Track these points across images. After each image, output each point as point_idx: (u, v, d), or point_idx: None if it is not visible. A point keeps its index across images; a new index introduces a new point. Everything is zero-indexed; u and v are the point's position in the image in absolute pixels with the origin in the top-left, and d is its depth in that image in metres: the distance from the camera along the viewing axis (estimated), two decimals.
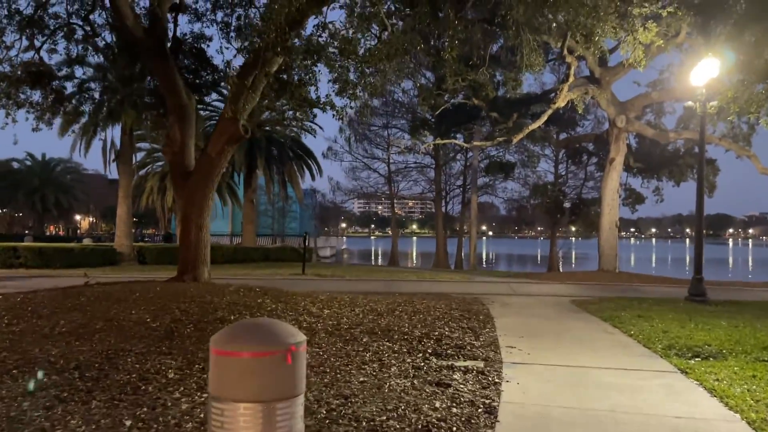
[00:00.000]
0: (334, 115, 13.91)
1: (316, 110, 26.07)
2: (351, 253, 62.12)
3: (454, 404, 4.99)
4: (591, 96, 19.75)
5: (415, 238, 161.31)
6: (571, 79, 18.56)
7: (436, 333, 8.15)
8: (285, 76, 13.28)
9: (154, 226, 63.41)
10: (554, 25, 15.01)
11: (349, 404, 4.83)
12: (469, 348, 7.42)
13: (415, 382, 5.61)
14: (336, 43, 13.71)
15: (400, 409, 4.74)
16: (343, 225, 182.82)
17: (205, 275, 10.65)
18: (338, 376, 5.70)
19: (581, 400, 5.34)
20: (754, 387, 5.71)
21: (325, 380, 5.53)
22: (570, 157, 33.27)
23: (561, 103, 18.76)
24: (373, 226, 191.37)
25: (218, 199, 36.27)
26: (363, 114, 14.86)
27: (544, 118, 19.64)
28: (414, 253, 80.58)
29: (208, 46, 14.43)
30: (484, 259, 74.20)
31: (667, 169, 25.59)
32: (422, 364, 6.40)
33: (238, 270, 20.99)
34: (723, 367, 6.52)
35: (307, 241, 20.60)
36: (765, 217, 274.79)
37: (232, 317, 8.07)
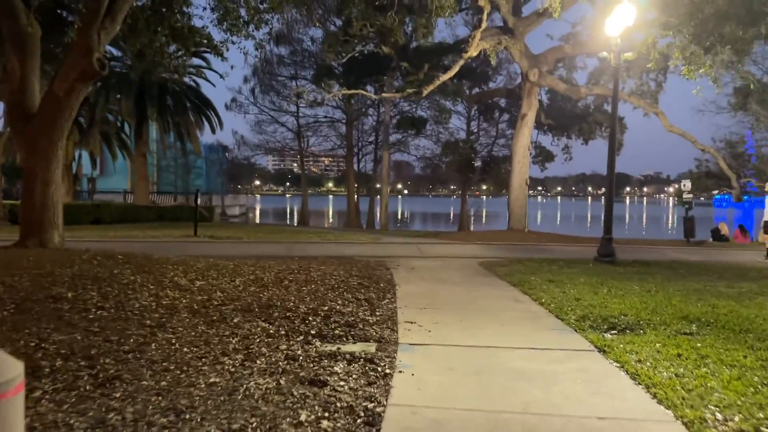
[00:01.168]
0: (218, 53, 12.24)
1: (205, 53, 23.68)
2: (257, 212, 59.95)
3: (326, 414, 3.82)
4: (504, 47, 18.90)
5: (331, 196, 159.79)
6: (484, 25, 17.57)
7: (326, 308, 6.98)
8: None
9: None
10: None
11: (181, 423, 3.55)
12: (361, 326, 6.30)
13: (283, 381, 4.40)
14: None
15: (249, 429, 3.52)
16: (257, 182, 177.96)
17: (56, 239, 8.91)
18: (182, 376, 4.40)
19: (487, 397, 4.33)
20: (682, 370, 4.92)
21: (162, 384, 4.22)
22: (482, 113, 32.73)
23: (473, 52, 17.77)
24: (288, 183, 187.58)
25: (108, 152, 33.24)
26: (258, 48, 13.18)
27: (456, 68, 18.60)
28: (329, 212, 79.29)
29: None
30: (398, 218, 74.08)
31: (577, 126, 25.46)
32: (299, 352, 5.20)
33: (123, 231, 18.95)
34: (644, 344, 5.75)
35: (199, 199, 18.78)
36: (659, 176, 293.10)
37: (70, 294, 6.53)
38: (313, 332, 5.90)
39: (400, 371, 4.83)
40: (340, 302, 7.41)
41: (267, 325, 6.07)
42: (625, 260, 12.83)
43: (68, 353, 4.81)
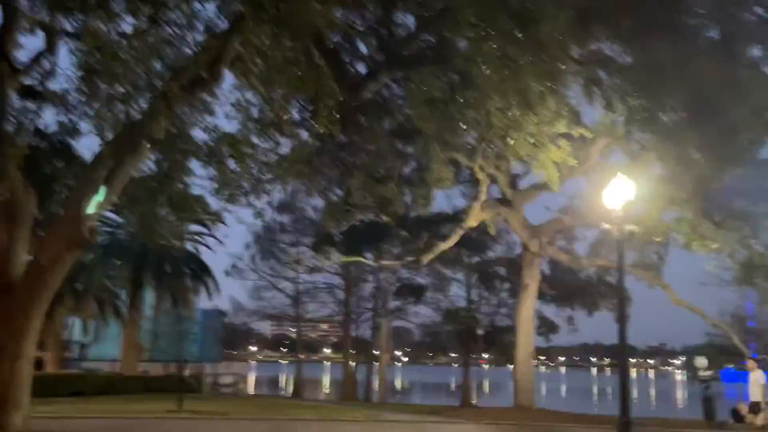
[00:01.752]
0: (218, 221, 12.12)
1: (206, 219, 23.96)
2: (252, 382, 57.47)
3: None
4: (503, 218, 19.10)
5: (328, 363, 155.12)
6: (483, 196, 17.86)
7: None
8: (158, 176, 11.57)
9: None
10: (465, 141, 14.50)
11: None
12: None
13: None
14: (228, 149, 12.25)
15: None
16: (253, 348, 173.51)
17: (18, 422, 8.01)
18: None
19: None
20: None
21: None
22: (482, 281, 32.47)
23: (472, 222, 17.90)
24: (285, 349, 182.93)
25: (102, 318, 32.44)
26: (258, 217, 13.14)
27: (455, 238, 18.63)
28: (326, 381, 76.19)
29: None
30: (398, 388, 70.87)
31: (580, 297, 25.04)
32: None
33: (104, 405, 17.66)
34: None
35: (186, 369, 17.74)
36: (664, 348, 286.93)
37: None
38: None
39: None
40: None
41: None
42: None
43: None
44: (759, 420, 13.68)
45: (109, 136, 9.03)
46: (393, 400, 43.43)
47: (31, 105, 10.92)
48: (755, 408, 13.83)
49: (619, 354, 12.09)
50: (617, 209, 12.40)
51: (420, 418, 17.18)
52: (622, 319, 12.11)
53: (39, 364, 32.93)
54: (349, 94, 11.29)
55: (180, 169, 11.26)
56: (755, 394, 13.90)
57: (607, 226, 12.63)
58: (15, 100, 10.55)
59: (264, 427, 13.99)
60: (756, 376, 14.12)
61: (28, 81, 10.53)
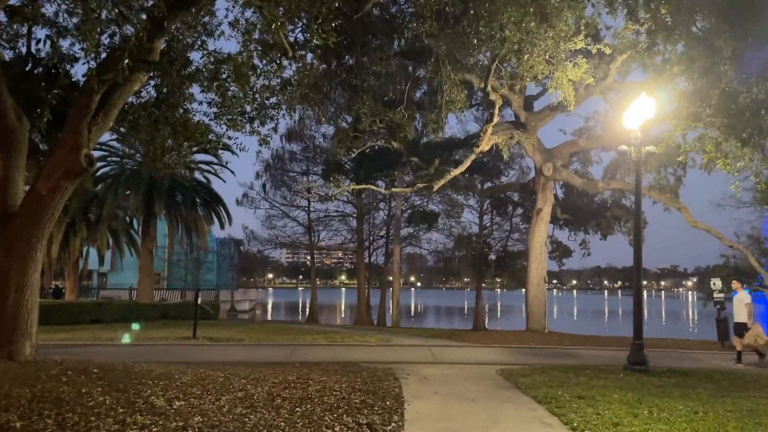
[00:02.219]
0: (217, 150, 11.80)
1: (216, 149, 23.68)
2: (269, 307, 58.68)
3: None
4: (516, 141, 18.56)
5: (343, 289, 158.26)
6: (496, 119, 17.27)
7: None
8: (158, 99, 11.15)
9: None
10: (477, 60, 13.78)
11: None
12: None
13: None
14: (228, 68, 11.74)
15: None
16: (270, 276, 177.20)
17: (26, 351, 8.02)
18: None
19: None
20: None
21: None
22: (495, 207, 32.19)
23: (485, 146, 17.40)
24: (301, 276, 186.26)
25: (117, 248, 32.87)
26: (262, 144, 12.73)
27: (467, 163, 18.19)
28: (341, 306, 77.82)
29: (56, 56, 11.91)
30: (412, 311, 72.35)
31: (594, 221, 24.72)
32: None
33: (120, 332, 17.99)
34: None
35: (200, 297, 17.93)
36: (676, 270, 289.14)
37: (19, 423, 5.56)
38: None
39: None
40: (338, 429, 6.36)
41: None
42: (658, 368, 11.61)
43: None
44: (745, 340, 13.65)
45: (101, 58, 8.61)
46: (407, 324, 44.33)
47: (20, 27, 10.44)
48: (740, 329, 13.79)
49: (635, 275, 11.89)
50: (636, 129, 11.93)
51: (431, 341, 17.35)
52: (637, 242, 11.85)
53: (58, 292, 33.71)
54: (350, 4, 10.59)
55: (180, 93, 10.82)
56: (740, 314, 13.84)
57: (624, 147, 12.16)
58: (3, 21, 10.08)
59: (277, 352, 14.14)
60: (740, 297, 14.01)
61: (14, 1, 10.02)
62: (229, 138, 11.65)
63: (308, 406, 7.35)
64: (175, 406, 6.72)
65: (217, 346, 15.33)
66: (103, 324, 22.10)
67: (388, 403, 7.95)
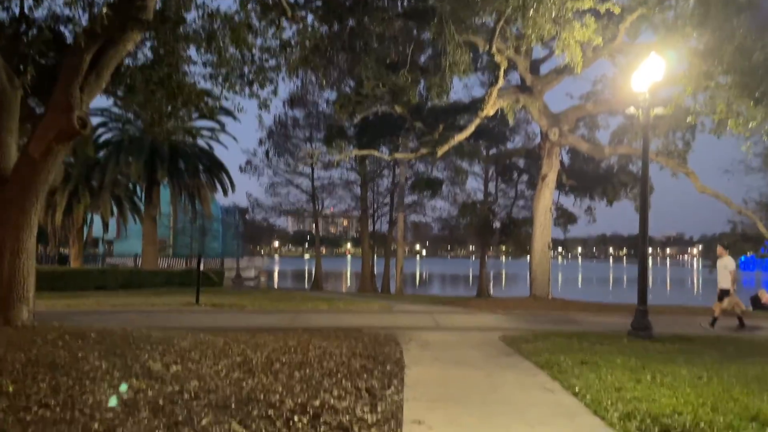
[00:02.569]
0: (213, 115, 11.60)
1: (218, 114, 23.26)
2: (276, 275, 59.04)
3: None
4: (522, 106, 18.19)
5: (349, 257, 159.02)
6: (500, 81, 16.89)
7: (318, 402, 5.84)
8: (154, 61, 10.91)
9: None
10: (482, 19, 13.38)
11: None
12: (357, 429, 5.15)
13: None
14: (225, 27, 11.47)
15: None
16: (276, 244, 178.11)
17: (24, 316, 7.96)
18: None
19: None
20: None
21: None
22: (500, 174, 31.88)
23: (490, 110, 17.05)
24: (307, 245, 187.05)
25: (120, 215, 32.81)
26: (262, 107, 12.46)
27: (472, 128, 17.88)
28: (347, 274, 78.19)
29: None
30: (417, 280, 72.70)
31: (600, 187, 24.44)
32: None
33: (123, 299, 18.05)
34: None
35: (202, 264, 17.90)
36: (681, 238, 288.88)
37: (11, 387, 5.50)
38: None
39: None
40: (336, 393, 6.27)
41: (241, 429, 4.95)
42: (662, 335, 11.51)
43: None
44: (724, 304, 13.59)
45: (92, 16, 8.36)
46: (412, 292, 44.49)
47: None
48: (722, 295, 13.68)
49: (641, 241, 11.71)
50: (644, 92, 11.61)
51: (434, 308, 17.31)
52: (644, 207, 11.64)
53: (63, 259, 33.85)
54: None
55: (175, 54, 10.55)
56: (724, 280, 13.70)
57: (632, 110, 11.86)
58: None
59: (279, 318, 14.13)
60: (724, 262, 13.84)
61: None
62: (227, 99, 11.43)
63: (307, 370, 7.27)
64: (172, 371, 6.65)
65: (219, 312, 15.32)
66: (108, 291, 22.17)
67: (388, 368, 7.88)
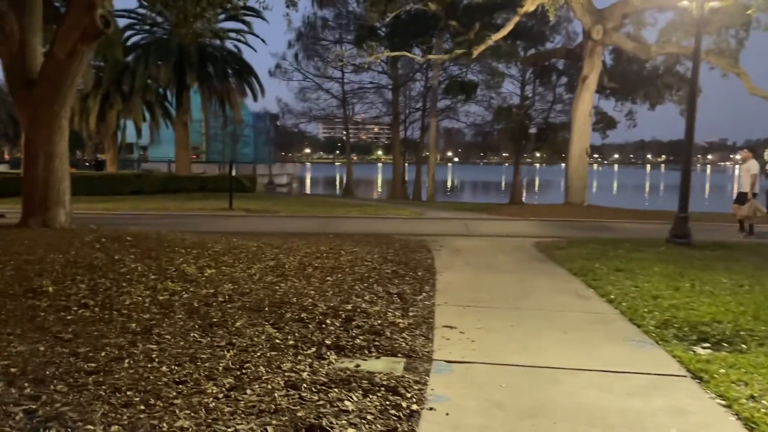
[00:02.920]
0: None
1: (245, 15, 22.72)
2: (308, 182, 59.52)
3: None
4: (565, 1, 17.02)
5: (380, 164, 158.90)
6: None
7: (350, 306, 5.87)
8: None
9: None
10: None
11: None
12: (389, 333, 5.15)
13: (271, 429, 3.30)
14: None
15: None
16: (308, 151, 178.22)
17: (61, 218, 8.09)
18: (142, 417, 3.34)
19: None
20: None
21: (114, 427, 3.18)
22: (538, 76, 30.56)
23: (530, 6, 16.02)
24: (338, 152, 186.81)
25: (153, 120, 32.84)
26: (289, 5, 11.92)
27: (509, 26, 16.91)
28: (378, 181, 78.34)
29: None
30: (448, 187, 72.46)
31: (643, 90, 23.27)
32: (306, 374, 4.10)
33: (158, 203, 18.36)
34: (752, 368, 4.41)
35: (234, 170, 17.95)
36: (724, 143, 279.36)
37: (52, 288, 5.62)
38: (328, 342, 4.79)
39: (431, 408, 3.68)
40: (367, 298, 6.29)
41: (274, 331, 4.99)
42: (702, 242, 11.24)
43: (18, 373, 3.85)
44: (743, 210, 13.13)
45: None
46: (443, 199, 44.47)
47: None
48: (741, 198, 13.22)
49: (686, 144, 11.20)
50: None
51: (465, 215, 17.20)
52: (691, 110, 11.03)
53: (100, 164, 34.44)
54: None
55: None
56: (744, 184, 13.19)
57: (685, 2, 10.97)
58: None
59: (311, 223, 14.22)
60: (747, 166, 13.29)
61: None
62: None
63: (339, 275, 7.30)
64: (206, 274, 6.73)
65: (252, 217, 15.50)
66: (143, 195, 22.58)
67: (419, 273, 7.87)
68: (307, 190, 56.25)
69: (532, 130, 31.00)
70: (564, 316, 6.04)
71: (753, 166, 13.14)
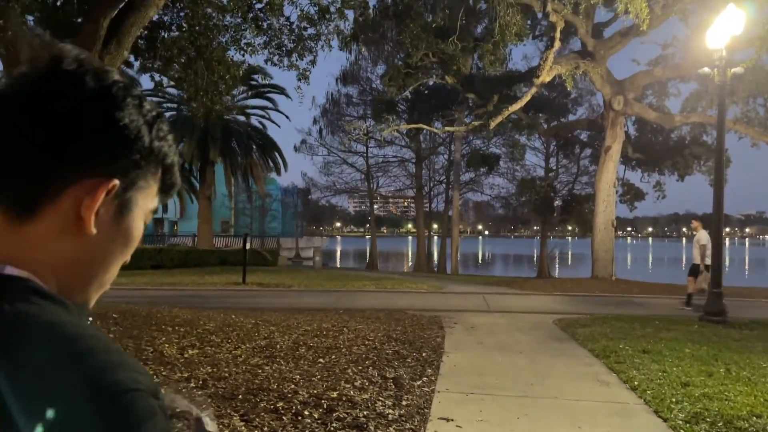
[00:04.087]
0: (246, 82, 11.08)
1: (270, 92, 22.95)
2: (327, 256, 59.19)
3: None
4: (582, 71, 16.83)
5: (410, 237, 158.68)
6: (557, 44, 15.61)
7: (336, 393, 5.26)
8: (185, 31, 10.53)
9: None
10: None
11: None
12: (374, 426, 4.52)
13: None
14: None
15: None
16: (338, 224, 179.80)
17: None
18: None
19: None
20: None
21: None
22: (561, 148, 30.29)
23: (546, 77, 15.82)
24: (368, 225, 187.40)
25: (187, 195, 33.31)
26: (301, 79, 11.87)
27: (527, 97, 16.69)
28: (408, 254, 77.79)
29: None
30: (478, 260, 71.43)
31: (670, 160, 22.66)
32: None
33: (173, 278, 18.11)
34: None
35: (248, 242, 17.70)
36: (762, 216, 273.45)
37: None
38: None
39: None
40: (358, 383, 5.67)
41: (241, 424, 4.41)
42: (739, 320, 10.32)
43: None
44: (696, 284, 12.34)
45: None
46: (472, 272, 43.58)
47: None
48: (694, 270, 12.37)
49: (715, 215, 10.54)
50: (720, 48, 10.33)
51: (487, 289, 16.48)
52: (719, 180, 10.44)
53: None
54: None
55: (208, 22, 10.11)
56: (695, 256, 12.36)
57: (707, 69, 10.60)
58: None
59: (324, 298, 13.69)
60: (698, 237, 12.54)
61: None
62: (264, 74, 10.99)
63: (333, 356, 6.71)
64: (186, 356, 6.23)
65: (265, 291, 15.05)
66: (164, 269, 22.43)
67: (424, 354, 7.23)
68: (337, 263, 55.88)
69: (557, 203, 30.43)
70: (580, 406, 5.32)
71: (702, 236, 12.51)
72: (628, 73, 18.69)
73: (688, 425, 4.72)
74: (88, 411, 0.53)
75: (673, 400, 5.36)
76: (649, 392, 5.66)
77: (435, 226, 47.24)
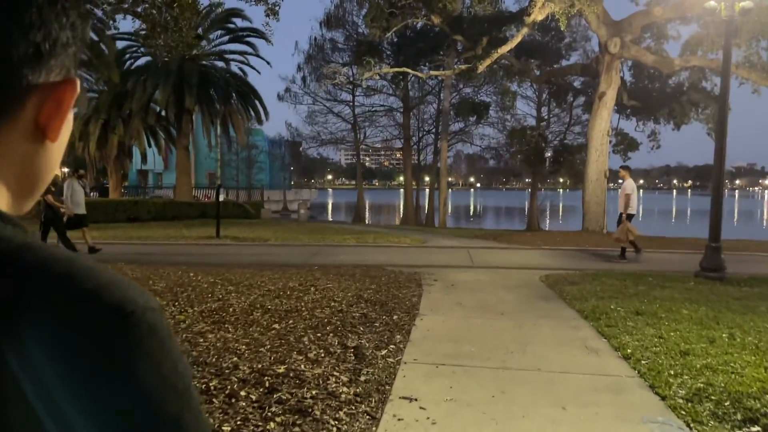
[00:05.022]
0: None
1: (250, 36, 21.74)
2: (318, 209, 58.42)
3: None
4: (577, 10, 15.67)
5: (401, 190, 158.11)
6: None
7: (283, 368, 4.53)
8: None
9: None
10: None
11: None
12: (320, 411, 3.80)
13: None
14: None
15: None
16: (330, 177, 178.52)
17: None
18: None
19: None
20: None
21: None
22: (553, 96, 29.18)
23: (538, 15, 14.71)
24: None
25: (155, 145, 32.06)
26: (270, 15, 10.84)
27: (518, 38, 15.62)
28: (400, 206, 77.16)
29: None
30: (470, 212, 70.94)
31: (666, 108, 21.71)
32: None
33: (146, 231, 17.31)
34: None
35: (221, 195, 16.86)
36: (752, 168, 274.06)
37: None
38: (226, 429, 3.46)
39: None
40: (312, 354, 4.94)
41: None
42: (737, 276, 9.66)
43: None
44: (615, 234, 12.23)
45: None
46: (461, 225, 43.02)
47: None
48: (619, 220, 12.01)
49: (716, 166, 9.76)
50: None
51: (473, 242, 15.79)
52: (722, 126, 9.60)
53: (105, 191, 33.73)
54: None
55: None
56: (620, 205, 11.81)
57: (713, 2, 9.63)
58: None
59: (300, 252, 12.95)
60: (624, 185, 12.04)
61: None
62: (243, 16, 9.92)
63: (291, 321, 5.98)
64: None
65: (239, 245, 14.31)
66: (140, 222, 21.62)
67: (395, 317, 6.53)
68: (328, 217, 55.09)
69: (549, 153, 29.56)
70: (566, 380, 4.64)
71: (627, 186, 11.89)
72: (626, 13, 17.57)
73: (690, 405, 4.04)
74: (116, 336, 0.45)
75: (672, 372, 4.69)
76: (643, 362, 4.98)
77: (427, 178, 46.50)
